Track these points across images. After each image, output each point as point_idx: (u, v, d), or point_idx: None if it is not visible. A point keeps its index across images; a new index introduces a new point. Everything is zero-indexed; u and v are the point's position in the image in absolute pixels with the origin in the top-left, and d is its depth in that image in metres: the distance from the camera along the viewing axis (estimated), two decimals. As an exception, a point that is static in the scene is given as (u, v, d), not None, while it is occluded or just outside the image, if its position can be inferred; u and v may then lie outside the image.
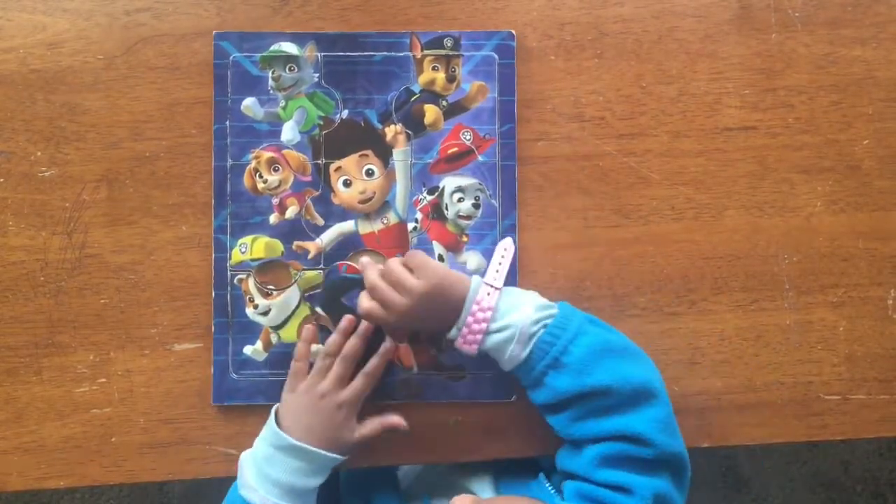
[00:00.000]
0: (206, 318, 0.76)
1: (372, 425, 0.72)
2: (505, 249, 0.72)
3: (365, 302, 0.70)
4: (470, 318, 0.67)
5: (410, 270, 0.69)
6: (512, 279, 0.75)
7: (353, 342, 0.72)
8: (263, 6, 0.76)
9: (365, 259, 0.74)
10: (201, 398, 0.75)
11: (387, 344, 0.73)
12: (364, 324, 0.73)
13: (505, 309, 0.67)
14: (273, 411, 0.71)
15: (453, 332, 0.68)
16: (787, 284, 0.77)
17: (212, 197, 0.75)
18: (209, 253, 0.75)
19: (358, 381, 0.71)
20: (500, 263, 0.71)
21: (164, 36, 0.76)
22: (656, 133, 0.77)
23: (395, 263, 0.70)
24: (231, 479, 0.74)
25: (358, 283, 0.75)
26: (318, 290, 0.75)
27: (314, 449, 0.68)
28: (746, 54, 0.77)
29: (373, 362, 0.72)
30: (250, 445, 0.71)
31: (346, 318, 0.73)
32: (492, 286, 0.69)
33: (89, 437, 0.75)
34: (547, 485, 0.72)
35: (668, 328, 0.76)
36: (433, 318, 0.69)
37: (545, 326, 0.66)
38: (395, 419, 0.72)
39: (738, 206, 0.77)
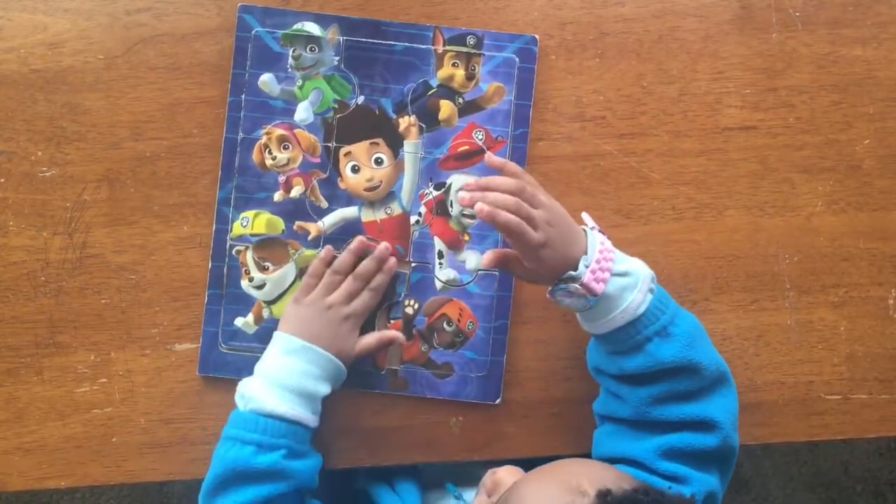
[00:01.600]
0: (206, 318, 0.76)
1: (371, 338, 0.73)
2: (590, 219, 0.69)
3: (515, 219, 0.62)
4: (599, 255, 0.63)
5: None
6: (510, 281, 0.75)
7: (368, 263, 0.73)
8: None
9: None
10: (202, 398, 0.75)
11: (392, 260, 0.74)
12: (382, 246, 0.73)
13: (622, 257, 0.66)
14: (276, 332, 0.71)
15: (580, 268, 0.63)
16: (788, 284, 0.77)
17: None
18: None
19: (365, 295, 0.72)
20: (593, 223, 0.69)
21: (164, 36, 0.76)
22: (657, 133, 0.77)
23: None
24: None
25: None
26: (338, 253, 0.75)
27: (323, 351, 0.69)
28: (747, 54, 0.77)
29: (378, 278, 0.73)
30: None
31: (359, 240, 0.74)
32: (604, 234, 0.67)
33: (90, 437, 0.75)
34: None
35: (669, 328, 0.76)
36: (563, 247, 0.64)
37: (652, 291, 0.65)
38: (393, 333, 0.74)
39: (738, 205, 0.77)
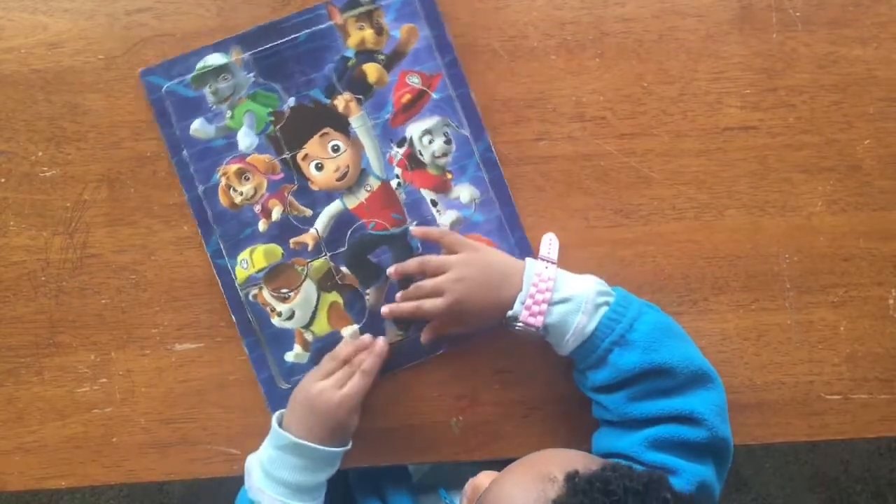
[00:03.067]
0: (206, 319, 0.76)
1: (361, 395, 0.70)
2: (550, 241, 0.72)
3: (407, 304, 0.71)
4: (533, 289, 0.66)
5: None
6: (507, 196, 0.76)
7: (362, 354, 0.71)
8: (265, 5, 0.76)
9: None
10: (202, 398, 0.76)
11: (381, 342, 0.71)
12: (380, 343, 0.71)
13: (565, 282, 0.67)
14: (275, 415, 0.70)
15: (517, 306, 0.67)
16: (788, 284, 0.77)
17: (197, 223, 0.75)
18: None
19: (356, 379, 0.69)
20: (549, 246, 0.71)
21: (164, 36, 0.76)
22: (657, 133, 0.77)
23: (429, 255, 0.72)
24: (231, 478, 0.74)
25: (385, 240, 0.75)
26: (343, 249, 0.75)
27: (315, 446, 0.66)
28: (747, 54, 0.77)
29: (369, 361, 0.70)
30: (252, 445, 0.71)
31: (371, 339, 0.72)
32: (548, 260, 0.69)
33: (90, 437, 0.75)
34: None
35: (669, 328, 0.76)
36: (489, 294, 0.68)
37: (608, 304, 0.66)
38: (379, 344, 0.71)
39: (738, 205, 0.77)
